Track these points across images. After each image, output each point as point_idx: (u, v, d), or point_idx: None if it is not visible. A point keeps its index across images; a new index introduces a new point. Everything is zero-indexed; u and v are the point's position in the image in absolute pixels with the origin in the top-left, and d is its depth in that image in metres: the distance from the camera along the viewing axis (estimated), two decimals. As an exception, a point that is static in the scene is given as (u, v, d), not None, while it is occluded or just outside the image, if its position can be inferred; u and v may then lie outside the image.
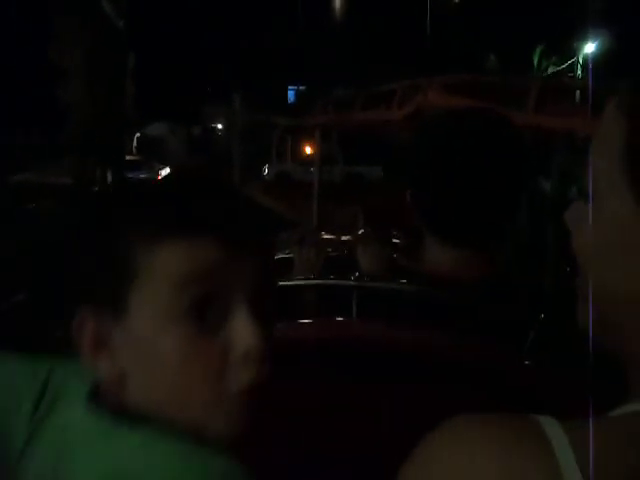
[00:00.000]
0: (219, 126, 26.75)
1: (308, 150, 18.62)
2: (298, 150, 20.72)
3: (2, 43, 23.45)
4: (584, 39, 21.23)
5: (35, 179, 10.31)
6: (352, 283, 1.13)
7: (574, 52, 21.84)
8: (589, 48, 21.60)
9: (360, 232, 1.95)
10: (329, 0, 17.62)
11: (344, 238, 2.53)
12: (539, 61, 22.12)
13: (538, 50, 21.97)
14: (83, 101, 4.78)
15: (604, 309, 0.57)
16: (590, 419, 0.49)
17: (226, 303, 0.64)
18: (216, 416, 0.64)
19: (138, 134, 23.47)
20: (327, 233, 2.86)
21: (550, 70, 21.61)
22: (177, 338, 0.63)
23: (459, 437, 0.51)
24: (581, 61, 21.53)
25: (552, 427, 0.49)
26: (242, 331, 0.63)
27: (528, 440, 0.49)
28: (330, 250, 2.15)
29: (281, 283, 1.21)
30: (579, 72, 20.63)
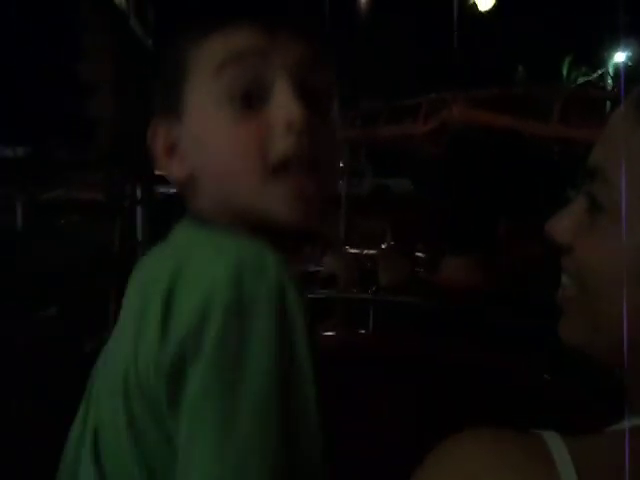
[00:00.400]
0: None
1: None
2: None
3: (32, 58, 23.98)
4: (614, 49, 21.00)
5: (64, 195, 10.48)
6: (369, 296, 1.14)
7: (604, 62, 21.62)
8: (619, 58, 21.36)
9: (383, 246, 1.97)
10: (354, 14, 17.70)
11: (368, 252, 2.55)
12: (568, 72, 21.93)
13: (567, 61, 21.78)
14: (112, 117, 4.87)
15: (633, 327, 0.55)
16: (590, 434, 0.51)
17: (270, 84, 0.67)
18: (265, 197, 0.66)
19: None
20: (352, 247, 2.88)
21: (580, 81, 21.41)
22: (226, 121, 0.67)
23: (465, 452, 0.52)
24: (611, 71, 21.30)
25: (555, 442, 0.49)
26: (282, 105, 0.66)
27: (531, 456, 0.49)
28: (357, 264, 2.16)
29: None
30: (609, 82, 20.40)
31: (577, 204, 0.60)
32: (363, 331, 1.16)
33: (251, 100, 0.67)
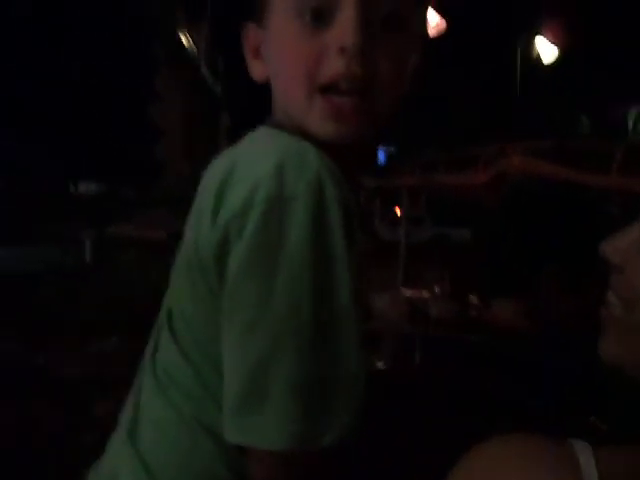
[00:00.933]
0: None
1: (396, 211, 18.67)
2: (386, 211, 20.80)
3: (105, 101, 24.98)
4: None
5: (128, 231, 10.82)
6: (418, 331, 1.18)
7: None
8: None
9: (436, 290, 2.01)
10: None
11: (423, 295, 2.59)
12: (634, 124, 21.50)
13: (634, 113, 21.38)
14: (178, 159, 5.05)
15: None
16: (624, 449, 0.51)
17: (339, 3, 0.69)
18: (314, 109, 0.70)
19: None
20: (408, 290, 2.92)
21: (645, 133, 20.91)
22: (293, 34, 0.70)
23: (493, 457, 0.54)
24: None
25: (585, 452, 0.51)
26: (341, 28, 0.68)
27: (558, 464, 0.51)
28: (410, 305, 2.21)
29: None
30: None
31: (633, 227, 0.62)
32: (412, 364, 1.20)
33: (319, 17, 0.70)
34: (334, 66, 0.69)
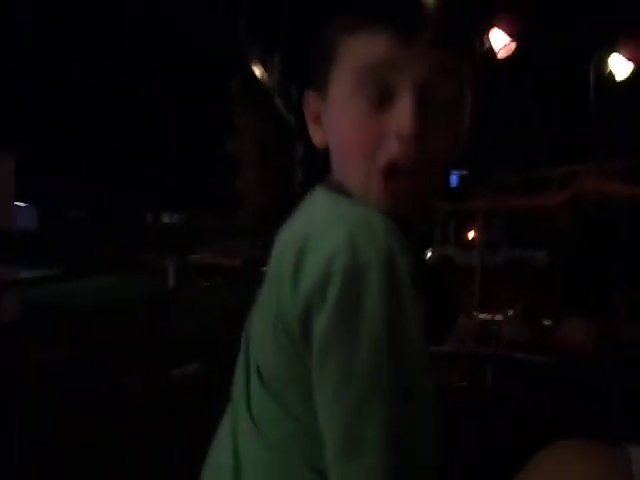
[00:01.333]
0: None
1: (471, 234, 18.39)
2: (461, 234, 20.53)
3: (183, 134, 25.75)
4: None
5: (208, 259, 11.15)
6: (488, 352, 1.22)
7: None
8: None
9: (509, 313, 2.05)
10: (489, 85, 17.66)
11: (497, 318, 2.62)
12: None
13: None
14: (255, 189, 5.23)
15: None
16: None
17: (398, 89, 0.72)
18: (371, 188, 0.74)
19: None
20: (482, 312, 2.94)
21: None
22: (353, 112, 0.74)
23: (555, 460, 0.59)
24: None
25: (638, 459, 0.55)
26: (402, 113, 0.71)
27: (611, 468, 0.55)
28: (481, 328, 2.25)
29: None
30: None
31: None
32: (484, 385, 1.24)
33: (378, 100, 0.73)
34: (391, 150, 0.72)
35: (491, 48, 7.37)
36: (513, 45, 7.46)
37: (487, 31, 7.14)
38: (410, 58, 0.72)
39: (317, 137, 0.83)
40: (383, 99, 0.73)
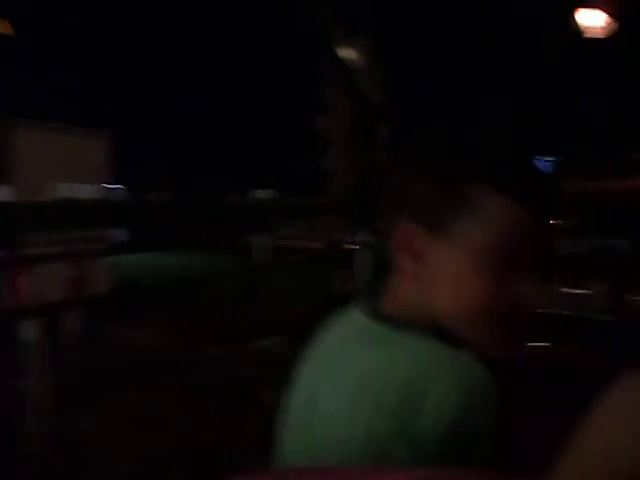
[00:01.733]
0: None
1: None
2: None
3: (274, 113, 26.01)
4: None
5: (295, 237, 11.32)
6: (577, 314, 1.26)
7: None
8: None
9: (592, 290, 2.07)
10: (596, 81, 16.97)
11: (582, 292, 2.68)
12: None
13: None
14: (342, 169, 5.24)
15: None
16: None
17: (523, 257, 0.77)
18: (477, 336, 0.79)
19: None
20: (565, 287, 2.97)
21: None
22: (490, 270, 0.77)
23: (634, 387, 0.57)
24: None
25: None
26: (528, 291, 0.77)
27: None
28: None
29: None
30: None
31: None
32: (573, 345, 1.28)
33: (512, 262, 0.77)
34: (522, 315, 0.79)
35: (591, 27, 7.10)
36: (614, 24, 7.17)
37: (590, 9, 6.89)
38: (542, 230, 0.77)
39: (405, 265, 0.82)
40: (510, 262, 0.76)
